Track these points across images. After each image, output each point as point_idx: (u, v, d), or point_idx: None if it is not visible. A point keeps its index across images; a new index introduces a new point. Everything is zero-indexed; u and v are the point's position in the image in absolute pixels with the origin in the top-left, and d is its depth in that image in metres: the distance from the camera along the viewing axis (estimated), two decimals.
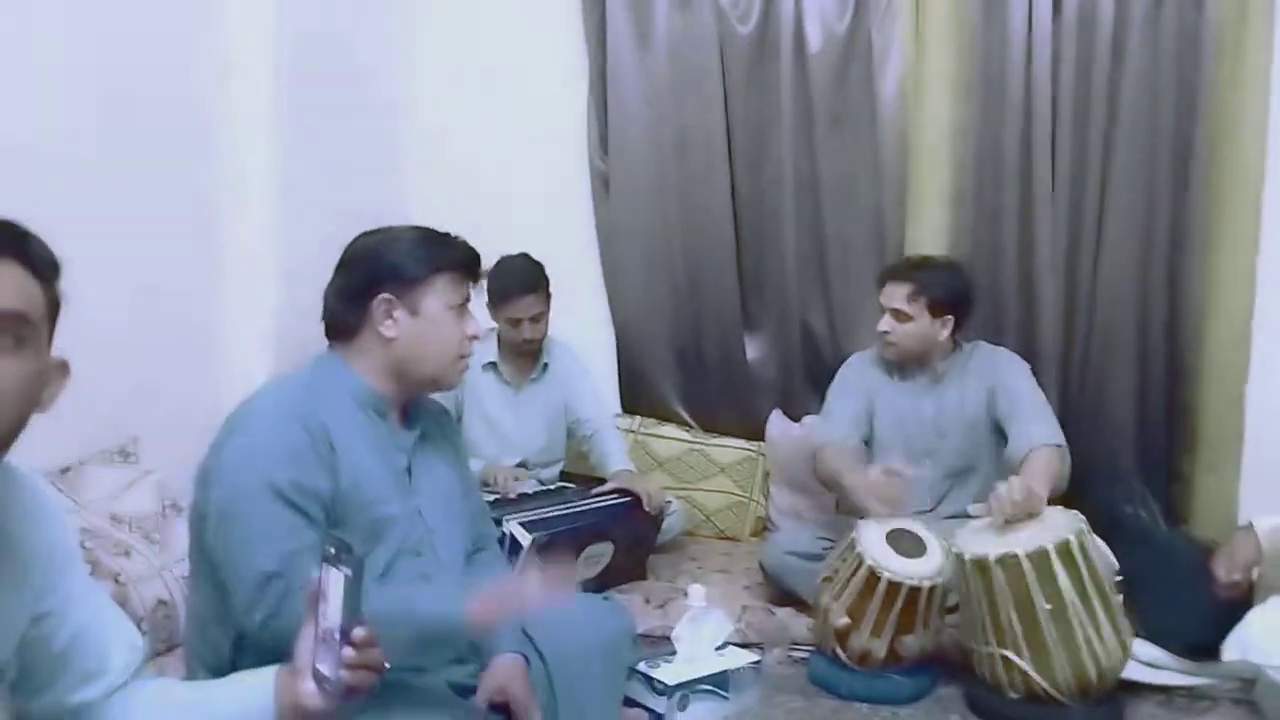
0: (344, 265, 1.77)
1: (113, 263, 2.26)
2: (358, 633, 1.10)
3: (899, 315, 2.77)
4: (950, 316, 2.79)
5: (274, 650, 1.26)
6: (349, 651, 1.09)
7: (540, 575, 1.56)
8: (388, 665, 1.16)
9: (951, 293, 2.79)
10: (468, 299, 1.77)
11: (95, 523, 2.05)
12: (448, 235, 1.78)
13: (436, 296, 1.71)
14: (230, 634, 1.61)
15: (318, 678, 1.12)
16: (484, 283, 1.87)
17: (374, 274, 1.71)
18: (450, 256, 1.74)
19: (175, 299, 2.59)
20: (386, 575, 1.66)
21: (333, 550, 1.12)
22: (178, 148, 2.60)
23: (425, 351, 1.71)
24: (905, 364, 2.85)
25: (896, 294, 2.78)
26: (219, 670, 1.49)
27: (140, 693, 1.17)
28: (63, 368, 1.02)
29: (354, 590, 1.10)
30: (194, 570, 1.69)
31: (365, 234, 1.80)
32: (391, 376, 1.72)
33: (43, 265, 0.99)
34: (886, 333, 2.80)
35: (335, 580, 1.11)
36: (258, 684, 1.16)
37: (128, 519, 2.14)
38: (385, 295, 1.69)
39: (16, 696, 1.11)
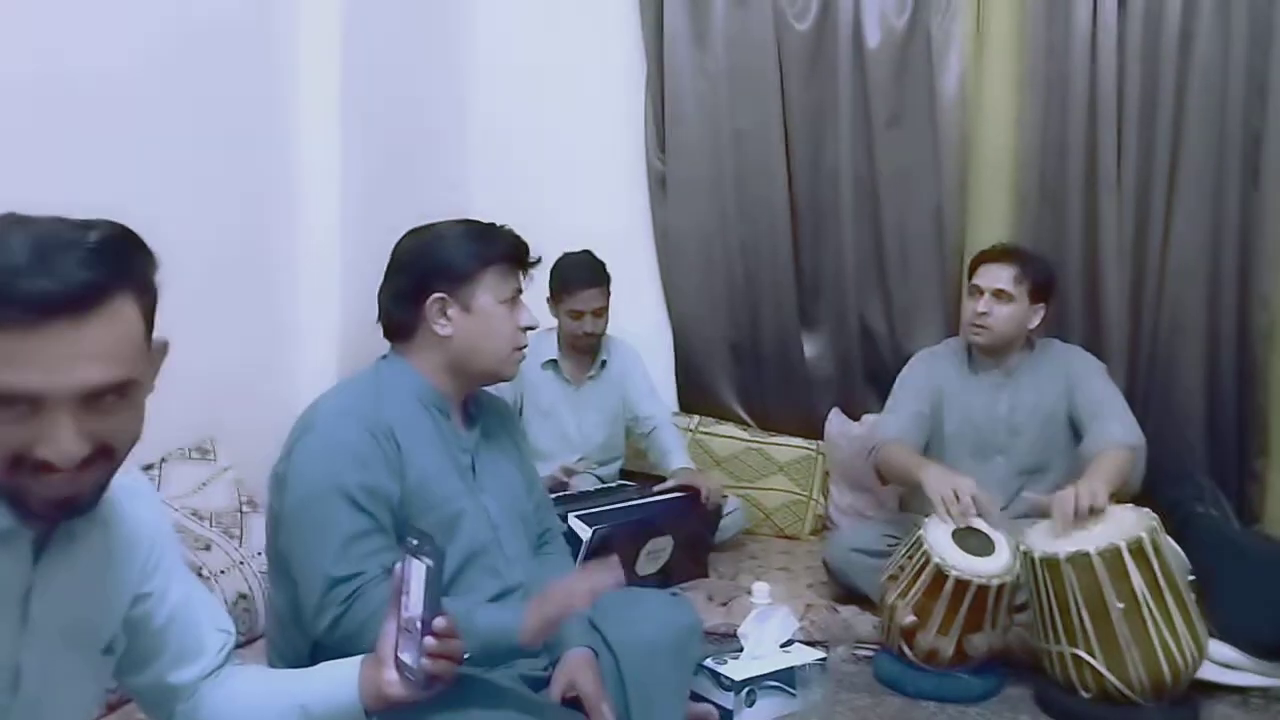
0: (394, 267, 1.77)
1: (183, 258, 2.29)
2: (439, 622, 1.12)
3: (1001, 296, 2.74)
4: (1043, 305, 2.79)
5: (348, 651, 1.28)
6: (431, 640, 1.12)
7: (585, 573, 1.55)
8: (466, 655, 1.18)
9: (1047, 279, 2.81)
10: (519, 290, 1.77)
11: (177, 518, 2.11)
12: (493, 226, 1.77)
13: (487, 291, 1.72)
14: (308, 635, 1.63)
15: (400, 666, 1.14)
16: (544, 277, 1.88)
17: (424, 274, 1.72)
18: (498, 249, 1.74)
19: (245, 299, 2.64)
20: (458, 572, 1.69)
21: (414, 542, 1.14)
22: (243, 145, 2.62)
23: (481, 346, 1.72)
24: (988, 354, 2.82)
25: (1001, 275, 2.75)
26: (299, 666, 1.51)
27: (233, 677, 1.22)
28: (163, 349, 1.02)
29: (435, 581, 1.12)
30: (272, 571, 1.72)
31: (412, 232, 1.80)
32: (450, 373, 1.74)
33: (147, 273, 0.96)
34: (984, 314, 2.75)
35: (417, 571, 1.13)
36: (343, 672, 1.19)
37: (208, 514, 2.20)
38: (438, 295, 1.70)
39: (120, 672, 1.15)
